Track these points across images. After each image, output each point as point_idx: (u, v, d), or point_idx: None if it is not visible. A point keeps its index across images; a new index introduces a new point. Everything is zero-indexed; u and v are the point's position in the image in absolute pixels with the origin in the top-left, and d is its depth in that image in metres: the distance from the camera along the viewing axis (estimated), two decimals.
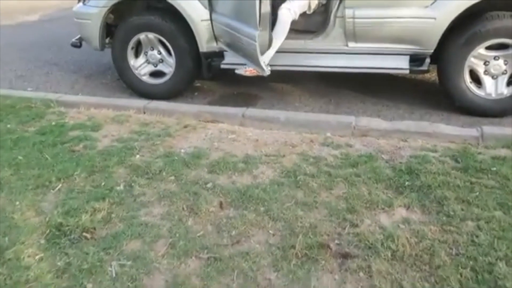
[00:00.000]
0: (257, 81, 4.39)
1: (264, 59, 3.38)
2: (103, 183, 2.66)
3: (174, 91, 4.27)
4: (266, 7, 3.15)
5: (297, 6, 3.74)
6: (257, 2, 3.07)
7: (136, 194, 2.58)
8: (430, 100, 4.07)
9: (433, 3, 3.56)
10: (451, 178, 2.63)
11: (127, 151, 3.01)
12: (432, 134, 3.26)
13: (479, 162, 2.81)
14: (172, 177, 2.72)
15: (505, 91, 3.67)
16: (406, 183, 2.62)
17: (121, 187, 2.63)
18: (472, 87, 3.71)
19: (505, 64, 3.61)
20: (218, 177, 2.72)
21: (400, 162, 2.88)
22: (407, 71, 3.79)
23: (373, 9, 3.67)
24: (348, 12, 3.69)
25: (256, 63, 3.37)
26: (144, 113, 3.74)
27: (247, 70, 3.63)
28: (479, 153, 2.96)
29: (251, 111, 3.62)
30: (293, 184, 2.63)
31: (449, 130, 3.27)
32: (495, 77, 3.66)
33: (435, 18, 3.56)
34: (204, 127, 3.38)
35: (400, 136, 3.30)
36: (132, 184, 2.66)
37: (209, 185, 2.63)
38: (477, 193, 2.48)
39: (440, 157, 2.92)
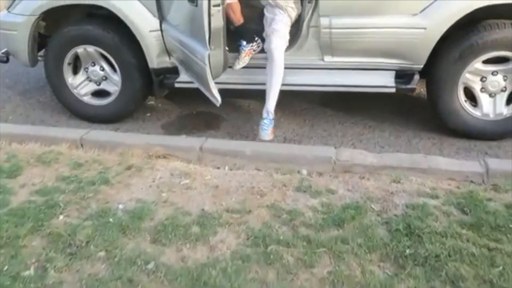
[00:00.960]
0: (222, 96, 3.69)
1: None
2: (5, 267, 1.92)
3: (121, 113, 3.52)
4: (218, 21, 2.43)
5: (285, 26, 3.04)
6: (205, 15, 2.35)
7: (49, 283, 1.85)
8: (418, 119, 3.46)
9: (423, 10, 2.92)
10: (463, 242, 2.01)
11: (47, 210, 2.27)
12: (428, 171, 2.64)
13: (492, 214, 2.20)
14: (103, 253, 2.00)
15: (504, 110, 3.08)
16: (407, 251, 1.99)
17: (31, 271, 1.90)
18: (467, 106, 3.11)
19: (505, 80, 3.02)
20: (163, 250, 2.02)
21: (395, 215, 2.24)
22: (393, 90, 3.15)
23: (353, 18, 3.01)
24: (324, 21, 3.02)
25: (207, 88, 2.67)
26: (82, 146, 2.99)
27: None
28: (489, 199, 2.35)
29: (210, 143, 2.91)
30: (262, 259, 1.96)
31: (448, 165, 2.65)
32: (493, 95, 3.07)
33: (425, 28, 2.93)
34: (152, 167, 2.67)
35: (390, 173, 2.66)
36: (47, 266, 1.93)
37: (150, 265, 1.93)
38: (501, 268, 1.86)
39: (443, 207, 2.30)
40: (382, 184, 2.51)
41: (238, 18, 3.05)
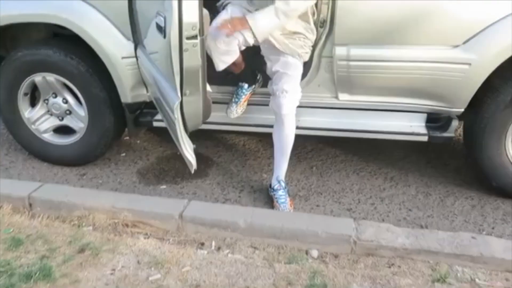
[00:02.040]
0: (210, 134, 2.99)
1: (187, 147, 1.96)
2: None
3: (88, 155, 2.80)
4: (194, 59, 1.68)
5: (298, 78, 2.30)
6: (175, 52, 1.63)
7: None
8: (450, 170, 2.76)
9: (468, 41, 2.22)
10: None
11: None
12: (479, 259, 1.93)
13: None
14: None
15: None
16: None
17: None
18: None
19: None
20: None
21: None
22: (425, 138, 2.44)
23: (377, 48, 2.30)
24: (340, 51, 2.31)
25: (178, 146, 1.96)
26: (30, 206, 2.27)
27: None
28: None
29: (194, 208, 2.20)
30: None
31: (505, 252, 1.95)
32: None
33: (469, 64, 2.22)
34: (113, 249, 1.95)
35: (427, 259, 1.97)
36: None
37: None
38: None
39: None
40: (420, 284, 1.80)
41: (239, 67, 2.37)
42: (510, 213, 2.39)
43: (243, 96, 2.48)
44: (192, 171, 2.03)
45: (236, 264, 1.90)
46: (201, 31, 1.64)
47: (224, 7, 2.27)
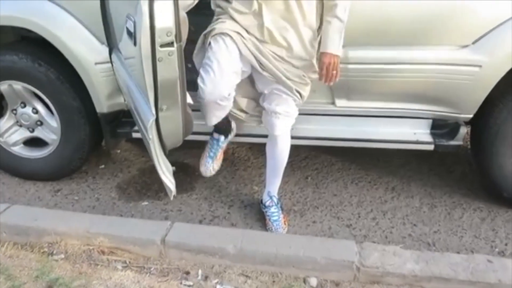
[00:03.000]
0: (196, 142, 2.73)
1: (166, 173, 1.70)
2: None
3: (62, 169, 2.54)
4: (170, 70, 1.40)
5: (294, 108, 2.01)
6: (146, 62, 1.38)
7: None
8: (456, 178, 2.54)
9: (478, 40, 1.98)
10: None
11: None
12: (497, 286, 1.71)
13: None
14: None
15: None
16: None
17: None
18: None
19: None
20: None
21: None
22: (431, 147, 2.21)
23: (377, 50, 2.07)
24: None
25: (156, 168, 1.71)
26: None
27: None
28: None
29: (177, 232, 1.95)
30: None
31: None
32: None
33: (480, 66, 1.99)
34: (85, 285, 1.71)
35: (438, 286, 1.75)
36: None
37: None
38: None
39: None
40: None
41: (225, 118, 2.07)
42: None
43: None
44: (171, 197, 1.79)
45: None
46: (178, 37, 1.38)
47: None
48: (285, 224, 2.18)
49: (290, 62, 1.86)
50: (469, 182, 2.49)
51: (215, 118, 1.94)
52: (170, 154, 2.71)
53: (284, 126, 1.99)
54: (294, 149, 2.46)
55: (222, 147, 2.27)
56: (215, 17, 1.89)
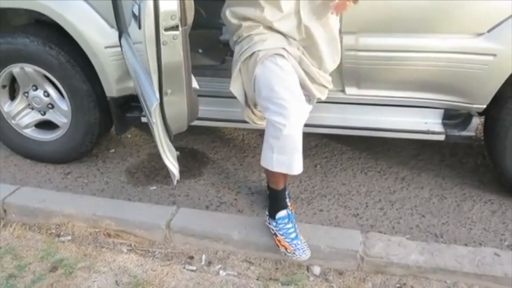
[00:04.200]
0: (206, 127, 2.74)
1: (168, 156, 1.68)
2: None
3: (73, 152, 2.57)
4: (174, 53, 1.40)
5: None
6: (150, 45, 1.37)
7: None
8: (468, 169, 2.50)
9: (493, 28, 1.92)
10: None
11: None
12: (503, 280, 1.69)
13: None
14: None
15: None
16: None
17: None
18: None
19: None
20: None
21: None
22: (442, 137, 2.17)
23: (389, 37, 2.02)
24: (348, 40, 2.03)
25: (160, 152, 1.70)
26: (5, 212, 2.05)
27: None
28: None
29: (182, 217, 1.97)
30: None
31: None
32: None
33: (495, 55, 1.94)
34: (89, 266, 1.73)
35: (443, 278, 1.73)
36: None
37: None
38: None
39: None
40: None
41: None
42: None
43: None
44: (175, 182, 1.79)
45: (227, 286, 1.67)
46: (183, 20, 1.37)
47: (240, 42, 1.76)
48: (292, 210, 2.16)
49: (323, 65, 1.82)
50: (481, 174, 2.45)
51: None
52: (180, 140, 2.76)
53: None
54: (304, 137, 2.44)
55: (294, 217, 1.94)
56: (243, 34, 1.73)
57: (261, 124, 1.93)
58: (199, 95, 1.80)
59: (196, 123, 2.15)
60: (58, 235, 1.94)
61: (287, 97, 1.63)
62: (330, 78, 1.87)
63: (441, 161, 2.57)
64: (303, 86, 1.78)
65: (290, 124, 1.62)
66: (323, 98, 1.91)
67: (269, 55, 1.66)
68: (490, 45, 1.93)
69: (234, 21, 1.75)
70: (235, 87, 1.79)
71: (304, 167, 2.51)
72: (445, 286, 1.72)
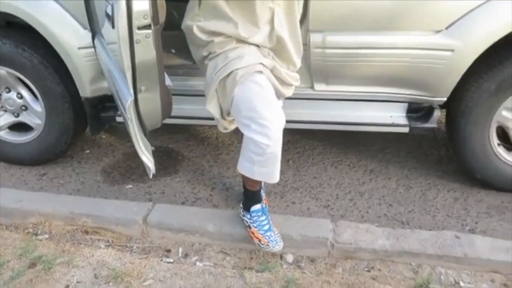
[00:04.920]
0: (180, 127, 2.81)
1: (144, 151, 1.74)
2: None
3: (47, 154, 2.59)
4: (147, 51, 1.47)
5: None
6: (124, 44, 1.43)
7: None
8: (433, 161, 2.63)
9: (451, 25, 2.05)
10: None
11: None
12: (463, 260, 1.81)
13: None
14: None
15: None
16: None
17: None
18: (501, 151, 2.29)
19: None
20: None
21: None
22: (406, 129, 2.29)
23: (354, 34, 2.13)
24: (315, 38, 2.13)
25: (136, 147, 1.76)
26: None
27: None
28: None
29: (159, 213, 2.02)
30: None
31: (491, 252, 1.83)
32: None
33: (452, 50, 2.06)
34: (68, 262, 1.77)
35: (408, 260, 1.84)
36: None
37: None
38: None
39: None
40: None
41: None
42: (494, 206, 2.27)
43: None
44: (150, 176, 1.84)
45: (204, 275, 1.74)
46: (155, 20, 1.44)
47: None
48: (266, 205, 2.24)
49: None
50: (445, 165, 2.58)
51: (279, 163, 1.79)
52: (155, 139, 2.81)
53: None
54: None
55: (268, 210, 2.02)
56: (216, 50, 1.72)
57: (232, 127, 1.98)
58: (173, 94, 1.86)
59: (170, 121, 2.22)
60: (36, 234, 1.97)
61: (269, 117, 1.66)
62: (297, 76, 1.95)
63: (408, 154, 2.70)
64: (275, 91, 1.82)
65: (273, 143, 1.67)
66: (290, 95, 1.99)
67: (249, 73, 1.67)
68: (448, 41, 2.06)
69: (203, 36, 1.72)
70: (212, 105, 1.79)
71: None
72: (410, 268, 1.82)
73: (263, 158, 1.70)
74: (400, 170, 2.56)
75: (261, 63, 1.72)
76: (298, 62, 1.92)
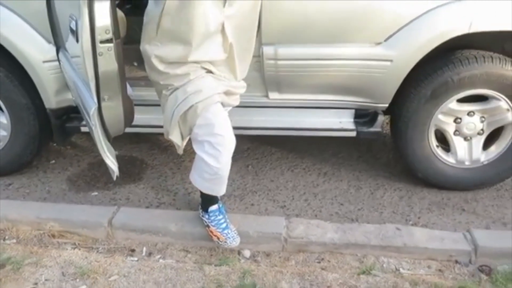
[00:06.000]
0: (144, 136, 2.95)
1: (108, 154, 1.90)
2: None
3: (13, 165, 2.68)
4: (109, 63, 1.63)
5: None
6: (87, 56, 1.59)
7: None
8: (381, 163, 2.85)
9: (389, 38, 2.29)
10: None
11: None
12: (403, 249, 2.02)
13: None
14: None
15: (481, 157, 2.52)
16: None
17: None
18: (439, 152, 2.53)
19: (482, 122, 2.45)
20: None
21: None
22: (353, 133, 2.51)
23: (303, 47, 2.33)
24: (268, 51, 2.32)
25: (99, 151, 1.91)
26: None
27: None
28: None
29: (123, 215, 2.16)
30: None
31: (428, 241, 2.05)
32: (468, 138, 2.50)
33: (391, 60, 2.30)
34: (36, 262, 1.89)
35: (354, 251, 2.03)
36: None
37: None
38: None
39: None
40: (347, 278, 1.85)
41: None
42: (435, 202, 2.50)
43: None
44: (114, 178, 1.98)
45: (166, 270, 1.88)
46: (116, 34, 1.60)
47: None
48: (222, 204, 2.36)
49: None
50: (392, 167, 2.81)
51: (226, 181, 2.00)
52: (119, 148, 2.93)
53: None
54: (237, 140, 2.70)
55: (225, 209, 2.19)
56: (174, 84, 1.86)
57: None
58: (135, 104, 2.02)
59: (134, 130, 2.37)
60: (4, 239, 2.07)
61: (224, 143, 1.88)
62: (244, 84, 2.12)
63: (359, 157, 2.92)
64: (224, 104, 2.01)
65: (222, 166, 1.90)
66: (237, 103, 2.15)
67: (208, 105, 1.85)
68: (387, 52, 2.29)
69: (160, 67, 1.84)
70: (174, 135, 1.97)
71: (237, 167, 2.79)
72: (357, 258, 2.01)
73: (212, 177, 1.94)
74: (352, 172, 2.77)
75: (218, 93, 1.90)
76: (243, 73, 2.08)
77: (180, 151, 2.09)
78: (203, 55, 1.86)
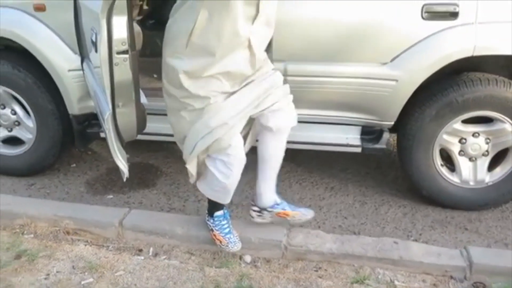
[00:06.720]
0: (160, 144, 3.10)
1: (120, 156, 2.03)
2: None
3: (37, 166, 2.87)
4: (124, 73, 1.78)
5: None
6: (105, 66, 1.75)
7: None
8: (387, 180, 2.92)
9: (395, 59, 2.38)
10: None
11: None
12: (399, 262, 2.08)
13: None
14: None
15: (486, 178, 2.56)
16: None
17: None
18: (444, 171, 2.58)
19: (487, 143, 2.50)
20: None
21: None
22: (358, 149, 2.59)
23: (312, 64, 2.45)
24: (278, 67, 2.42)
25: (113, 155, 2.04)
26: None
27: None
28: None
29: (134, 217, 2.29)
30: None
31: (423, 256, 2.10)
32: (473, 159, 2.55)
33: (396, 80, 2.39)
34: (50, 255, 2.03)
35: (352, 262, 2.10)
36: None
37: None
38: None
39: None
40: (340, 286, 1.92)
41: None
42: (438, 220, 2.55)
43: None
44: (124, 179, 2.12)
45: (169, 269, 1.99)
46: (132, 46, 1.75)
47: None
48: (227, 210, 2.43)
49: None
50: (399, 184, 2.87)
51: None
52: (136, 156, 3.09)
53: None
54: (248, 153, 2.82)
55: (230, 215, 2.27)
56: (194, 105, 1.88)
57: None
58: (153, 113, 2.16)
59: (150, 138, 2.52)
60: (22, 233, 2.22)
61: (236, 163, 1.97)
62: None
63: (367, 174, 2.99)
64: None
65: (232, 182, 2.01)
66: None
67: (233, 134, 1.92)
68: (392, 72, 2.38)
69: (185, 84, 1.84)
70: (191, 165, 2.06)
71: (247, 178, 2.89)
72: (353, 268, 2.08)
73: (219, 188, 2.05)
74: (358, 188, 2.84)
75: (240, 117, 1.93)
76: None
77: (192, 181, 2.17)
78: (224, 67, 1.86)
